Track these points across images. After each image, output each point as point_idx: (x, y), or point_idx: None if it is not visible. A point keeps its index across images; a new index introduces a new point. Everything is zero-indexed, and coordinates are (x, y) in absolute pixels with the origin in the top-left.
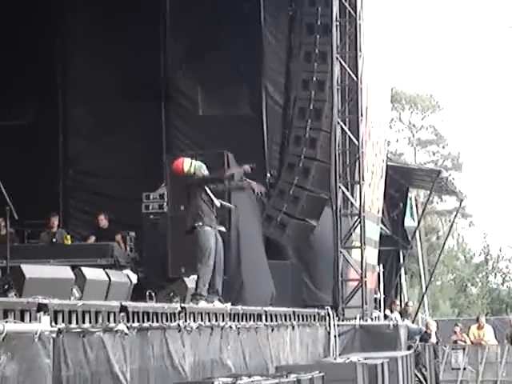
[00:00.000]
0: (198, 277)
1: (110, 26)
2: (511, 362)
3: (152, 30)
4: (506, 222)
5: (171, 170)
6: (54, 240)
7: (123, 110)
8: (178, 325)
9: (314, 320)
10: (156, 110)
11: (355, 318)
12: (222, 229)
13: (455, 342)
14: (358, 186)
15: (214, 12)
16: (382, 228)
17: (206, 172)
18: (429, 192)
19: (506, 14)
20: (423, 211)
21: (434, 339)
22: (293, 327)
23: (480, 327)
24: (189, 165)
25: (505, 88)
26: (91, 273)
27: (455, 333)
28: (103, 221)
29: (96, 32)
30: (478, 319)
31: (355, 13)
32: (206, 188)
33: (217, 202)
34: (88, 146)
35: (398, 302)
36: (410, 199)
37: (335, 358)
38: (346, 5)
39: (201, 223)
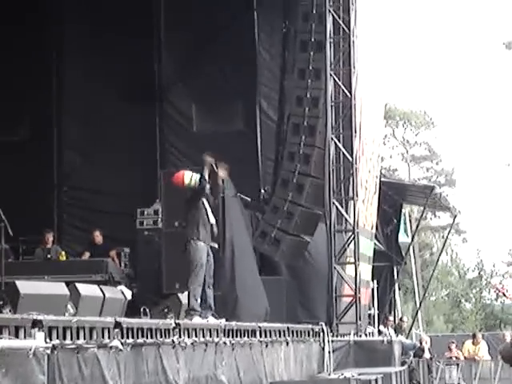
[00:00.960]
0: (188, 292)
1: (106, 41)
2: (505, 377)
3: (147, 46)
4: (499, 238)
5: (169, 184)
6: (49, 256)
7: (118, 126)
8: (173, 341)
9: (309, 336)
10: (151, 126)
11: (349, 334)
12: (215, 245)
13: (449, 358)
14: (352, 201)
15: (208, 28)
16: (375, 244)
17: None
18: (422, 208)
19: (500, 31)
20: (417, 227)
21: (428, 355)
22: (287, 343)
23: (476, 343)
24: (189, 178)
25: (498, 104)
26: (86, 289)
27: (450, 350)
28: (98, 237)
29: (91, 46)
30: (474, 335)
31: (349, 29)
32: (205, 203)
33: (212, 219)
34: (83, 161)
35: (391, 318)
36: (404, 215)
37: (329, 374)
38: (340, 22)
39: (195, 237)
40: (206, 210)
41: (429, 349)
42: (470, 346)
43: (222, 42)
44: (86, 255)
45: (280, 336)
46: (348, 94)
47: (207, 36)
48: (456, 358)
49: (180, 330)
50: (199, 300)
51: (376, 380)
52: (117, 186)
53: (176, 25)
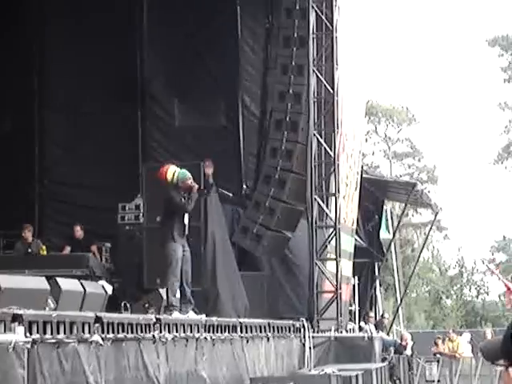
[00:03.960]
0: (166, 288)
1: (88, 35)
2: (485, 374)
3: (129, 42)
4: (480, 235)
5: (151, 179)
6: (30, 251)
7: (100, 120)
8: (153, 336)
9: (289, 332)
10: (133, 121)
11: (330, 330)
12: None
13: (435, 354)
14: (333, 198)
15: (191, 24)
16: (357, 240)
17: (189, 181)
18: (404, 204)
19: (483, 28)
20: (398, 223)
21: (409, 351)
22: (268, 339)
23: (451, 340)
24: (172, 174)
25: (480, 102)
26: (66, 283)
27: (437, 344)
28: (79, 232)
29: (73, 41)
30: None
31: (332, 26)
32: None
33: (185, 220)
34: (64, 155)
35: (372, 314)
36: (386, 211)
37: (310, 370)
38: (323, 18)
39: (170, 235)
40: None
41: (412, 346)
42: (449, 344)
43: (205, 37)
44: (67, 249)
45: (261, 332)
46: (330, 90)
47: (190, 31)
48: (442, 353)
49: (161, 326)
50: (178, 295)
51: (356, 376)
52: (98, 180)
53: (159, 20)
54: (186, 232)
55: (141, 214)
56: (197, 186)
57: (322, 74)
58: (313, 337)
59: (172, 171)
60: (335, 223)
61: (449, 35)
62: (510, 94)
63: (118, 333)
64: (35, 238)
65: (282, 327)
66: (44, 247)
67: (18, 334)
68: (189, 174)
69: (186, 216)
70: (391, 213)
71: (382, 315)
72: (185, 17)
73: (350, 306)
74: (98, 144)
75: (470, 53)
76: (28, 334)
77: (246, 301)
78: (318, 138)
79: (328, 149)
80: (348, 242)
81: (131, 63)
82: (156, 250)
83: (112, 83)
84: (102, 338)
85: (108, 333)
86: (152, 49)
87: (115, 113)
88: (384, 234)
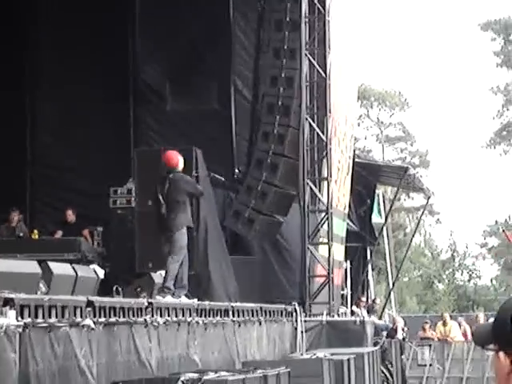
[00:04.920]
0: (166, 271)
1: (79, 14)
2: (477, 358)
3: (121, 26)
4: (472, 220)
5: (143, 163)
6: (21, 235)
7: (91, 105)
8: (145, 320)
9: (281, 316)
10: (124, 105)
11: (322, 314)
12: (190, 225)
13: (422, 338)
14: (326, 182)
15: (183, 9)
16: (349, 224)
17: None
18: (396, 189)
19: (475, 13)
20: (390, 208)
21: (400, 335)
22: (260, 323)
23: (445, 324)
24: (183, 161)
25: (473, 86)
26: (58, 267)
27: (424, 330)
28: (71, 216)
29: (64, 26)
30: (442, 316)
31: (324, 9)
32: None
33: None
34: (55, 140)
35: (364, 299)
36: (378, 196)
37: (302, 354)
38: (315, 1)
39: (183, 223)
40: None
41: (402, 328)
42: (442, 328)
43: (197, 21)
44: (59, 234)
45: (253, 316)
46: (323, 74)
47: (182, 16)
48: (429, 338)
49: (152, 310)
50: (174, 281)
51: (348, 360)
52: (90, 164)
53: (151, 5)
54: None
55: (132, 198)
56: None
57: (314, 58)
58: (305, 321)
59: (182, 159)
60: (327, 207)
61: (441, 19)
62: (503, 79)
63: (110, 317)
64: (21, 221)
65: (273, 311)
66: (36, 231)
67: (10, 318)
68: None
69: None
70: (383, 197)
71: (374, 299)
72: (177, 1)
73: (342, 290)
74: (89, 128)
75: (462, 37)
76: (20, 318)
77: (235, 285)
78: (310, 123)
79: (320, 133)
80: (340, 227)
81: (122, 46)
82: (148, 234)
83: (103, 69)
84: (94, 322)
85: (100, 317)
86: (144, 34)
87: (106, 96)
88: (376, 219)
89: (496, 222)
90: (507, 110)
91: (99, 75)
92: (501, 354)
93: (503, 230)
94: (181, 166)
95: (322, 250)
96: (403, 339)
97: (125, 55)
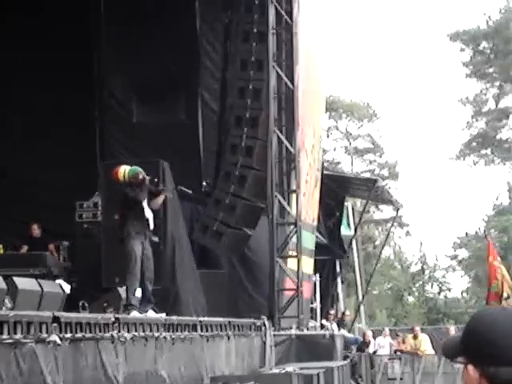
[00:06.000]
0: (126, 287)
1: (44, 24)
2: (448, 372)
3: (86, 38)
4: (442, 232)
5: (109, 176)
6: None
7: (57, 117)
8: (112, 335)
9: (250, 330)
10: (91, 118)
11: (291, 328)
12: (155, 239)
13: (396, 351)
14: (294, 194)
15: (149, 20)
16: (318, 237)
17: (141, 176)
18: (365, 201)
19: (443, 23)
20: (360, 220)
21: (372, 349)
22: (228, 337)
23: (416, 337)
24: (122, 173)
25: (442, 97)
26: (23, 283)
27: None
28: (36, 230)
29: (28, 30)
30: (412, 329)
31: (291, 21)
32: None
33: (148, 214)
34: (21, 153)
35: (334, 312)
36: (347, 208)
37: (271, 369)
38: (283, 13)
39: (129, 232)
40: (141, 204)
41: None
42: (412, 341)
43: (163, 32)
44: (24, 248)
45: (221, 330)
46: (291, 85)
47: (148, 27)
48: (399, 351)
49: (119, 325)
50: (138, 294)
51: (318, 374)
52: (56, 178)
53: (116, 17)
54: (151, 227)
55: (99, 212)
56: (148, 178)
57: (282, 70)
58: (274, 335)
59: (122, 170)
60: (296, 220)
61: (410, 30)
62: (472, 89)
63: (76, 332)
64: None
65: (242, 326)
66: (0, 246)
67: None
68: (139, 169)
69: (148, 211)
70: (352, 209)
71: (344, 313)
72: (142, 11)
73: (312, 303)
74: (56, 142)
75: (431, 48)
76: None
77: (203, 300)
78: (278, 135)
79: (288, 145)
80: (309, 239)
81: (88, 58)
82: (114, 249)
83: (69, 81)
84: (60, 338)
85: (66, 332)
86: (109, 46)
87: (72, 108)
88: (345, 231)
89: (466, 233)
90: (476, 121)
91: (64, 87)
92: (470, 366)
93: (485, 236)
94: (121, 178)
95: (291, 263)
96: (374, 352)
97: (90, 67)
